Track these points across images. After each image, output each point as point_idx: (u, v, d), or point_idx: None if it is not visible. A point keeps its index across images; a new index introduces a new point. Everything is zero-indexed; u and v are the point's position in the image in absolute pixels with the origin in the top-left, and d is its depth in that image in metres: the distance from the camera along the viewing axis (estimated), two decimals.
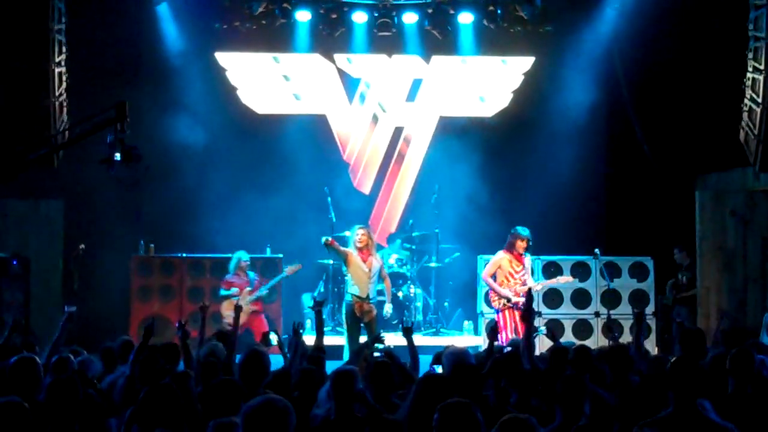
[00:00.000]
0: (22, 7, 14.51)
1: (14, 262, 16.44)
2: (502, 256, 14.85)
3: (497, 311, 14.89)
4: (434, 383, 7.29)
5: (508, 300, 14.62)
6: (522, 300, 13.69)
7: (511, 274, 14.73)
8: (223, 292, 16.12)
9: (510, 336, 14.18)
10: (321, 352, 10.30)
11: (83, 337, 13.97)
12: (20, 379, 7.79)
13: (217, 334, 11.13)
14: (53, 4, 14.91)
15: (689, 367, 6.77)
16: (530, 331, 10.18)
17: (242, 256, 16.24)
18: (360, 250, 14.64)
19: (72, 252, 16.90)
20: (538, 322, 16.38)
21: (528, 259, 15.02)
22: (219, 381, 7.46)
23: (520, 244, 14.74)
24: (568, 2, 18.25)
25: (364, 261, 14.62)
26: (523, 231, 14.77)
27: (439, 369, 9.23)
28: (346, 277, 14.88)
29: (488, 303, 15.79)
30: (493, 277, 14.88)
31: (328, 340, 15.34)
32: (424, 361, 10.44)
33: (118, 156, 10.21)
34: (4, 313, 15.81)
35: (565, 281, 16.12)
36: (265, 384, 8.04)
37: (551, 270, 17.05)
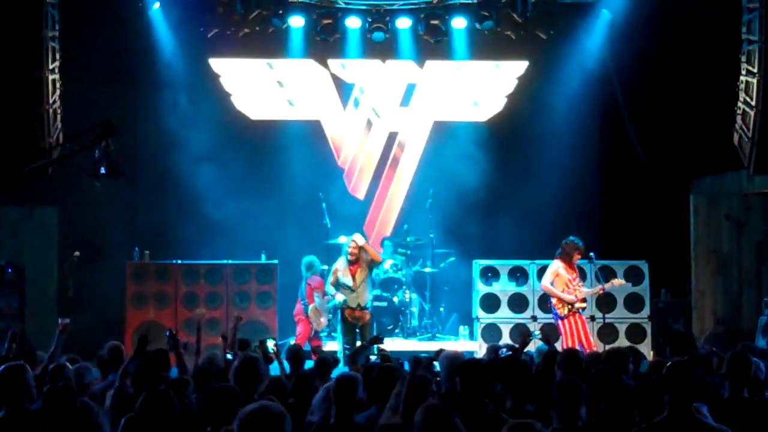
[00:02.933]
0: (15, 15, 14.50)
1: (9, 270, 16.46)
2: (559, 265, 14.96)
3: (560, 318, 14.93)
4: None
5: (572, 305, 14.75)
6: (584, 305, 14.73)
7: (570, 281, 14.84)
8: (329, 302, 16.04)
9: (574, 343, 14.38)
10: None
11: (78, 345, 13.94)
12: (7, 388, 7.75)
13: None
14: (47, 11, 14.91)
15: (685, 371, 6.79)
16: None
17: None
18: (350, 262, 14.76)
19: (67, 259, 16.91)
20: (534, 327, 16.40)
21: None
22: (214, 388, 7.47)
23: (577, 256, 14.91)
24: (562, 7, 18.25)
25: (353, 274, 14.73)
26: (580, 242, 14.91)
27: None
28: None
29: (548, 309, 15.71)
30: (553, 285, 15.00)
31: (329, 346, 15.47)
32: None
33: (103, 170, 10.56)
34: None
35: (619, 284, 16.00)
36: (260, 391, 8.04)
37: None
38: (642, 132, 17.99)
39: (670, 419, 6.66)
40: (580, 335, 14.67)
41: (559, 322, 14.91)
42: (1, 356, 10.36)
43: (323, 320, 16.06)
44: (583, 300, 14.84)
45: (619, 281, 15.79)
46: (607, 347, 14.80)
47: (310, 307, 16.00)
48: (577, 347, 14.04)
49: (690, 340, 10.72)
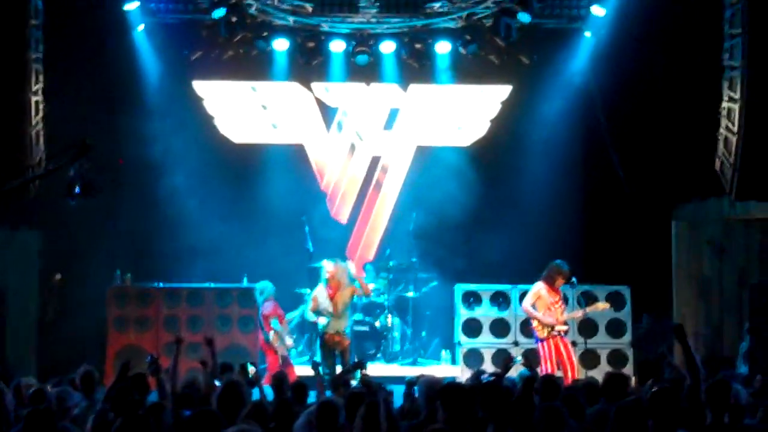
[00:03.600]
0: None
1: None
2: (541, 286, 14.98)
3: (540, 340, 14.93)
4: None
5: (552, 328, 14.78)
6: (565, 328, 14.68)
7: (552, 303, 14.87)
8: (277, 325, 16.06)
9: (553, 367, 14.43)
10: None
11: (60, 368, 13.93)
12: None
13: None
14: (31, 32, 14.92)
15: (669, 398, 6.82)
16: None
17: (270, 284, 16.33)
18: (329, 284, 14.76)
19: (48, 282, 16.87)
20: (516, 352, 16.42)
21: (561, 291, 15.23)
22: (196, 411, 7.47)
23: (560, 280, 14.94)
24: (545, 31, 18.33)
25: (332, 297, 14.73)
26: (565, 266, 14.93)
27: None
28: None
29: (530, 334, 15.70)
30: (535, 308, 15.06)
31: (304, 371, 15.43)
32: (398, 392, 10.46)
33: (78, 189, 10.67)
34: None
35: (603, 308, 16.03)
36: (242, 415, 8.04)
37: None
38: (625, 157, 18.06)
39: None
40: (561, 358, 14.67)
41: (539, 344, 14.93)
42: None
43: (288, 342, 15.98)
44: (565, 323, 14.87)
45: (603, 305, 15.82)
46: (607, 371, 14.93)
47: (270, 334, 15.94)
48: (557, 370, 14.10)
49: (658, 367, 10.74)
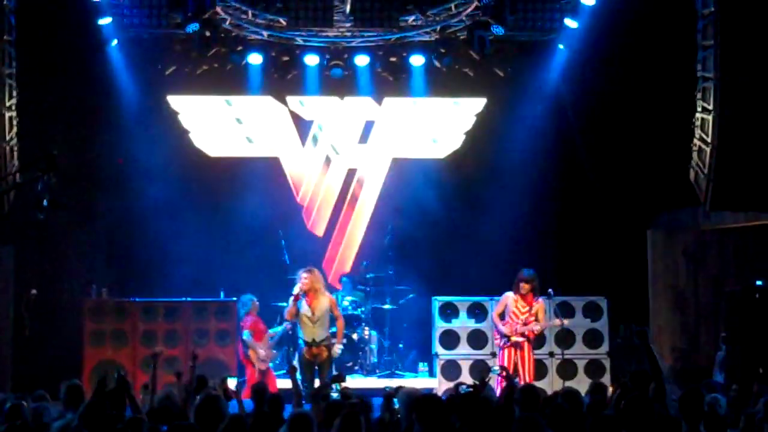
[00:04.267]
0: None
1: None
2: (507, 296, 15.28)
3: (499, 349, 15.33)
4: None
5: (508, 337, 15.08)
6: (519, 340, 14.93)
7: (514, 313, 15.14)
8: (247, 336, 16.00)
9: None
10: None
11: (36, 383, 13.85)
12: None
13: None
14: (3, 47, 14.86)
15: (643, 406, 6.84)
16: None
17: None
18: (306, 293, 14.71)
19: (23, 297, 16.81)
20: (493, 363, 16.44)
21: (539, 303, 15.26)
22: (174, 426, 7.45)
23: (523, 285, 15.14)
24: (519, 44, 18.38)
25: (309, 305, 14.69)
26: (525, 272, 15.15)
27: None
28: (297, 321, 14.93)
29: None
30: (503, 316, 15.27)
31: (282, 383, 15.39)
32: (376, 403, 10.44)
33: (45, 203, 10.82)
34: None
35: (560, 324, 16.08)
36: (221, 429, 8.01)
37: None
38: (599, 168, 18.12)
39: None
40: (516, 366, 14.90)
41: (499, 353, 15.23)
42: None
43: (262, 353, 15.85)
44: (522, 334, 14.99)
45: (561, 321, 15.83)
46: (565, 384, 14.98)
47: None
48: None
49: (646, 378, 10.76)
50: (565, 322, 15.79)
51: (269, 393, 10.45)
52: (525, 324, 15.12)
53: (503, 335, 15.17)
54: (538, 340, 17.37)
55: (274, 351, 16.33)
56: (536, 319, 15.33)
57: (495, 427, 8.15)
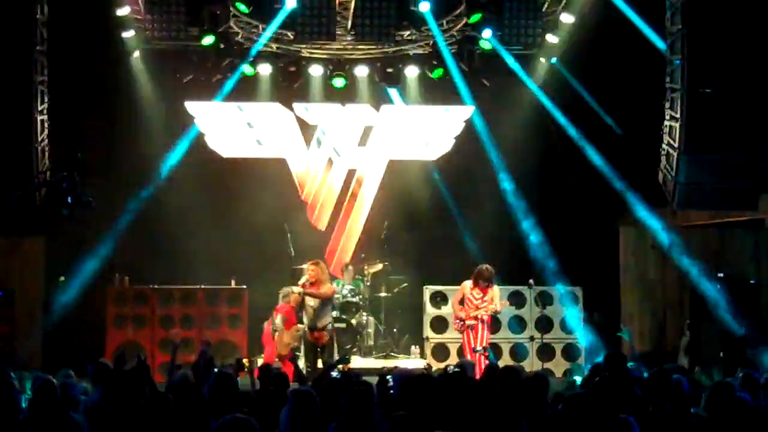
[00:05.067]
0: (6, 61, 14.47)
1: (0, 294, 16.42)
2: (465, 284, 15.35)
3: (460, 332, 15.38)
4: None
5: (463, 321, 15.17)
6: (472, 323, 14.99)
7: (470, 300, 15.19)
8: None
9: (469, 354, 14.78)
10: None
11: (64, 363, 13.89)
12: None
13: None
14: (36, 57, 14.88)
15: (612, 386, 6.87)
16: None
17: None
18: (312, 284, 14.76)
19: (53, 284, 16.85)
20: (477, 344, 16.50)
21: (494, 289, 15.28)
22: (190, 401, 7.48)
23: (478, 275, 15.18)
24: (504, 58, 18.34)
25: (314, 295, 14.75)
26: (482, 267, 15.18)
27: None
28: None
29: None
30: (462, 302, 15.34)
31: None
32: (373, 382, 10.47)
33: (69, 199, 10.92)
34: None
35: (506, 304, 16.13)
36: (233, 404, 8.04)
37: None
38: (576, 170, 18.14)
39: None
40: (470, 346, 15.02)
41: (462, 335, 15.40)
42: None
43: (287, 339, 15.72)
44: (475, 318, 15.07)
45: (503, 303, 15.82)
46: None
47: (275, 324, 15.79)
48: (468, 357, 14.47)
49: (622, 359, 10.78)
50: (506, 303, 15.96)
51: (275, 372, 10.47)
52: (477, 309, 15.14)
53: (460, 319, 15.27)
54: (519, 326, 17.53)
55: (296, 344, 16.11)
56: (492, 303, 15.38)
57: (477, 402, 8.20)
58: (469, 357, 14.46)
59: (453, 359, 16.70)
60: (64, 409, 7.67)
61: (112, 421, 7.46)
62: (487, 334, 15.36)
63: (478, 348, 14.85)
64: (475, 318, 15.10)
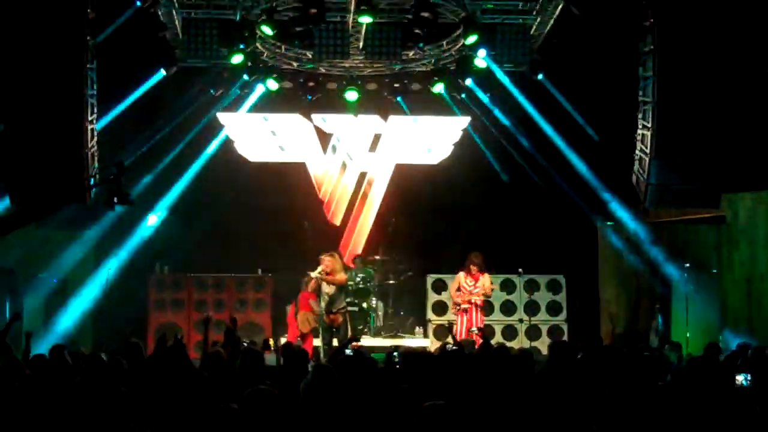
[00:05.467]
0: (61, 78, 14.49)
1: (54, 281, 16.49)
2: (459, 275, 15.60)
3: (456, 315, 15.62)
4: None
5: (459, 305, 15.42)
6: (467, 306, 15.25)
7: (463, 287, 15.31)
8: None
9: (464, 334, 14.88)
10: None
11: (112, 342, 14.03)
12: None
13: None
14: (87, 73, 14.92)
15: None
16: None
17: None
18: (327, 273, 14.79)
19: (102, 272, 16.93)
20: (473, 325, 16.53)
21: (485, 277, 15.42)
22: (222, 375, 7.52)
23: (470, 265, 15.34)
24: (496, 79, 18.29)
25: (330, 282, 14.76)
26: (474, 254, 15.25)
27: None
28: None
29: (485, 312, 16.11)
30: (459, 290, 15.56)
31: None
32: (380, 358, 10.53)
33: (116, 199, 11.17)
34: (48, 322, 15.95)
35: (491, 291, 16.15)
36: (259, 377, 8.08)
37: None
38: (561, 175, 18.16)
39: None
40: (469, 325, 15.16)
41: (457, 318, 15.57)
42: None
43: (314, 313, 15.43)
44: (468, 302, 15.26)
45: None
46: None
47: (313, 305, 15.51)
48: (464, 336, 14.60)
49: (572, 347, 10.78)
50: (495, 287, 16.14)
51: (296, 349, 10.52)
52: (471, 294, 15.34)
53: (457, 304, 15.49)
54: (509, 309, 17.55)
55: (315, 325, 15.76)
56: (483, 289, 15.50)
57: (473, 376, 8.26)
58: (458, 337, 14.38)
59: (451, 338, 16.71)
60: (112, 383, 7.70)
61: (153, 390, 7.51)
62: (481, 317, 15.44)
63: (474, 328, 14.90)
64: (469, 302, 15.22)
